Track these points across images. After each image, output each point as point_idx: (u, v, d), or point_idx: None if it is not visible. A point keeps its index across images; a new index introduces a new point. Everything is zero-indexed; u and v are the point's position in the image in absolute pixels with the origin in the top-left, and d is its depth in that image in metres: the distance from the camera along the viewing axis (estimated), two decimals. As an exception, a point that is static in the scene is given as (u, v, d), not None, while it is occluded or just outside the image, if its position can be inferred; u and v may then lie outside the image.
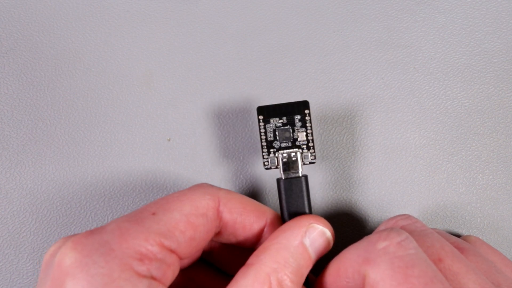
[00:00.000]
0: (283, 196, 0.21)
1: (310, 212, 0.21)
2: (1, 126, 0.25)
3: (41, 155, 0.25)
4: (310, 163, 0.22)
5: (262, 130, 0.22)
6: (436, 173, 0.25)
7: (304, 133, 0.22)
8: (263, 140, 0.22)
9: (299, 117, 0.22)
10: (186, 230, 0.17)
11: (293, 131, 0.22)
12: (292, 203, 0.21)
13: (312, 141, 0.22)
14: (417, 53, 0.26)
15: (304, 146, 0.22)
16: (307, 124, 0.22)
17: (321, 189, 0.25)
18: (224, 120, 0.26)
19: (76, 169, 0.25)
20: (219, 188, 0.20)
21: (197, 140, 0.25)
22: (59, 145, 0.25)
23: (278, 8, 0.27)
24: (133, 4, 0.27)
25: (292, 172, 0.21)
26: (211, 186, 0.20)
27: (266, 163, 0.22)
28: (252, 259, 0.18)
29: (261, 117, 0.22)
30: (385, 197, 0.25)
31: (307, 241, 0.19)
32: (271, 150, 0.22)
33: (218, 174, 0.25)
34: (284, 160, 0.21)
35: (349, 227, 0.25)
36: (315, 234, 0.19)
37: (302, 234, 0.19)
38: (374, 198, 0.25)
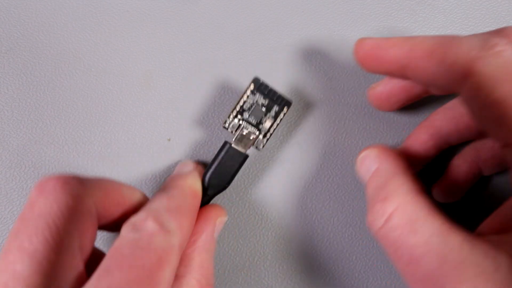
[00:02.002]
0: (220, 159, 0.23)
1: (229, 184, 0.23)
2: (1, 126, 0.25)
3: (41, 155, 0.25)
4: (256, 147, 0.23)
5: (245, 97, 0.23)
6: (437, 173, 0.25)
7: (270, 123, 0.23)
8: (239, 105, 0.23)
9: (276, 109, 0.23)
10: None
11: (265, 115, 0.23)
12: (222, 168, 0.23)
13: (271, 134, 0.23)
14: (417, 53, 0.26)
15: (263, 133, 0.23)
16: (278, 119, 0.23)
17: (323, 194, 0.25)
18: (225, 119, 0.26)
19: (76, 169, 0.25)
20: (176, 227, 0.18)
21: (197, 140, 0.25)
22: (59, 145, 0.25)
23: (278, 8, 0.27)
24: (133, 4, 0.27)
25: (241, 146, 0.23)
26: (170, 233, 0.18)
27: (227, 124, 0.23)
28: (180, 269, 0.19)
29: (252, 86, 0.23)
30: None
31: (216, 234, 0.22)
32: (238, 116, 0.23)
33: (218, 174, 0.25)
34: (243, 132, 0.23)
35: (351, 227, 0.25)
36: (220, 225, 0.22)
37: (213, 230, 0.21)
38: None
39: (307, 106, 0.26)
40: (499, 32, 0.18)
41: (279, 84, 0.26)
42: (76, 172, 0.25)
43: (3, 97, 0.26)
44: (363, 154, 0.21)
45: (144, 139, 0.25)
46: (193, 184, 0.22)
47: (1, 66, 0.26)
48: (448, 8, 0.26)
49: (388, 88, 0.23)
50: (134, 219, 0.18)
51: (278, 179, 0.25)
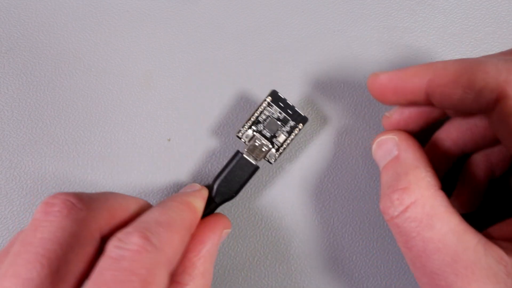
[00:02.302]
0: (230, 167, 0.23)
1: (237, 193, 0.23)
2: (1, 126, 0.25)
3: (41, 155, 0.25)
4: (268, 161, 0.23)
5: (261, 109, 0.23)
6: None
7: (284, 138, 0.23)
8: (254, 116, 0.23)
9: (292, 124, 0.23)
10: None
11: (280, 129, 0.23)
12: (231, 177, 0.23)
13: (284, 149, 0.23)
14: (417, 53, 0.26)
15: (276, 147, 0.23)
16: (292, 134, 0.23)
17: (323, 194, 0.25)
18: (224, 120, 0.26)
19: (76, 169, 0.25)
20: (163, 242, 0.17)
21: (197, 140, 0.25)
22: (59, 145, 0.25)
23: (278, 8, 0.27)
24: (133, 4, 0.27)
25: (252, 157, 0.23)
26: (156, 248, 0.17)
27: (240, 133, 0.23)
28: (184, 278, 0.19)
29: (269, 98, 0.23)
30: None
31: (219, 244, 0.22)
32: (253, 127, 0.23)
33: (218, 174, 0.25)
34: (255, 143, 0.23)
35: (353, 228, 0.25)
36: (224, 236, 0.22)
37: (218, 241, 0.21)
38: (375, 197, 0.25)
39: (307, 106, 0.26)
40: None
41: (279, 84, 0.26)
42: (76, 171, 0.25)
43: (3, 97, 0.26)
44: (383, 137, 0.21)
45: (144, 139, 0.25)
46: (192, 201, 0.21)
47: (1, 66, 0.26)
48: (448, 8, 0.26)
49: (405, 116, 0.22)
50: (120, 234, 0.17)
51: (278, 180, 0.25)
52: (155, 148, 0.25)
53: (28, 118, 0.26)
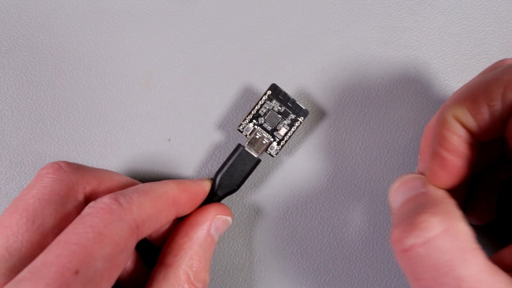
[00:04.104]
0: (232, 161, 0.23)
1: (239, 186, 0.23)
2: (1, 126, 0.25)
3: (41, 155, 0.25)
4: (270, 154, 0.24)
5: (261, 102, 0.23)
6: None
7: (285, 131, 0.24)
8: (254, 109, 0.23)
9: (293, 117, 0.24)
10: (111, 275, 0.17)
11: (280, 122, 0.23)
12: (233, 170, 0.23)
13: (286, 141, 0.24)
14: (417, 53, 0.26)
15: (278, 140, 0.24)
16: (293, 127, 0.24)
17: (323, 194, 0.25)
18: (224, 120, 0.26)
19: (76, 169, 0.25)
20: (131, 202, 0.18)
21: (197, 140, 0.25)
22: (59, 145, 0.25)
23: (278, 8, 0.27)
24: (133, 4, 0.27)
25: (254, 150, 0.23)
26: (122, 207, 0.18)
27: (241, 127, 0.23)
28: (169, 259, 0.20)
29: (269, 92, 0.23)
30: (385, 197, 0.25)
31: (213, 231, 0.21)
32: (254, 121, 0.23)
33: (218, 174, 0.25)
34: (256, 136, 0.23)
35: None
36: (219, 223, 0.22)
37: (209, 226, 0.21)
38: (375, 197, 0.25)
39: (306, 106, 0.26)
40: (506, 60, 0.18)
41: (279, 83, 0.26)
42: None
43: (3, 97, 0.26)
44: (411, 175, 0.19)
45: (144, 139, 0.25)
46: (186, 182, 0.21)
47: (1, 66, 0.26)
48: (448, 8, 0.26)
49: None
50: (98, 198, 0.18)
51: (278, 179, 0.25)
52: (155, 148, 0.25)
53: (28, 118, 0.26)
